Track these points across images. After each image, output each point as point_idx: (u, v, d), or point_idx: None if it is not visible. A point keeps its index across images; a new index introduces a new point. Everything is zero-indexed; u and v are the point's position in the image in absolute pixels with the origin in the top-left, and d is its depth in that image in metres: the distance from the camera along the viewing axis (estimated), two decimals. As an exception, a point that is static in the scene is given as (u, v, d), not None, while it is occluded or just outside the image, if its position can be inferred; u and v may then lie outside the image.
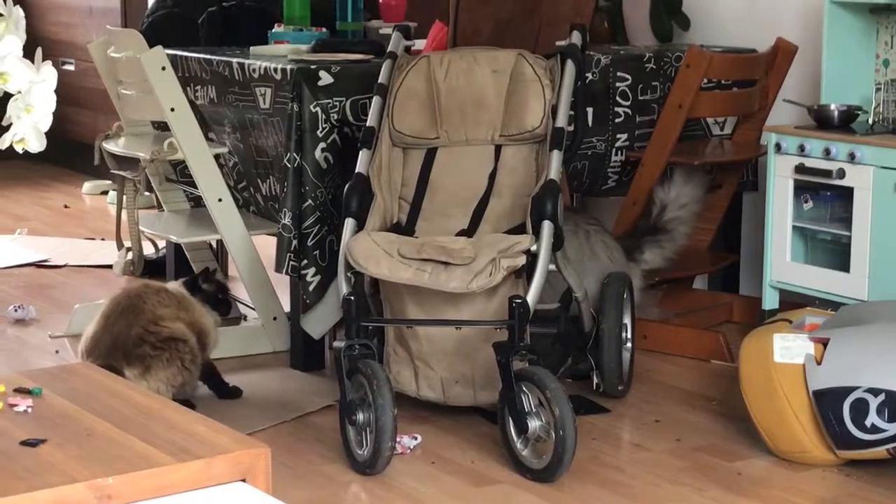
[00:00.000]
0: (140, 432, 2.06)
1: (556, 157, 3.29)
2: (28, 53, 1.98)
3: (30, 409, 2.16)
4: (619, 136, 4.26)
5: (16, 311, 4.44)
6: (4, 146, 1.98)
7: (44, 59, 1.96)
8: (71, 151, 7.01)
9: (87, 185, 6.98)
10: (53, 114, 1.96)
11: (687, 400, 3.65)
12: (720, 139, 4.46)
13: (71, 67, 7.32)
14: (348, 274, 3.23)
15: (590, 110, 4.15)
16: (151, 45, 3.91)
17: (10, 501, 1.81)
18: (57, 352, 4.09)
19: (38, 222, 6.16)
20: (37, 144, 1.99)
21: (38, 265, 5.27)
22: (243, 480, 2.01)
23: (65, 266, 5.25)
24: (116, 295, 3.53)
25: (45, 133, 1.98)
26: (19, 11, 1.94)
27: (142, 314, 3.43)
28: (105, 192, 6.79)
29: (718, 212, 4.45)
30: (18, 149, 1.98)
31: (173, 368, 3.41)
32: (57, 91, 5.98)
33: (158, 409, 2.18)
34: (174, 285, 3.63)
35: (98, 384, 2.35)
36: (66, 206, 6.62)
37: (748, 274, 4.57)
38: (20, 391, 2.24)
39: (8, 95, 1.96)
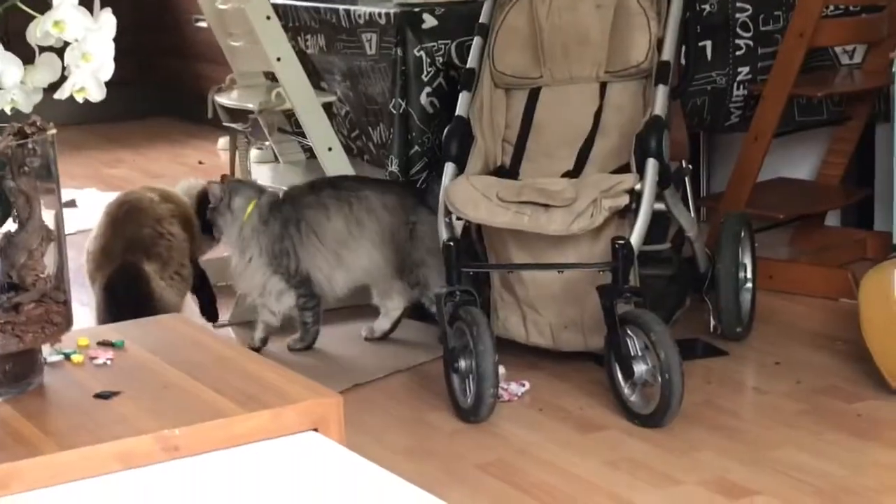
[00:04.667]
0: (212, 382, 2.03)
1: (661, 93, 3.18)
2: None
3: (109, 362, 2.15)
4: (740, 69, 4.10)
5: None
6: (64, 96, 1.95)
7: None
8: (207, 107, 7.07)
9: (222, 141, 7.04)
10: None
11: (811, 341, 3.52)
12: (850, 69, 4.27)
13: (204, 24, 7.38)
14: (446, 219, 3.17)
15: (708, 43, 4.01)
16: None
17: (75, 454, 1.80)
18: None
19: (172, 179, 6.20)
20: (97, 93, 1.95)
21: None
22: (315, 430, 1.97)
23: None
24: (109, 207, 3.60)
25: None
26: (70, -41, 1.91)
27: (146, 214, 3.51)
28: (240, 147, 6.84)
29: (849, 144, 4.28)
30: (79, 98, 1.95)
31: (179, 270, 3.50)
32: (193, 48, 6.05)
33: (234, 358, 2.15)
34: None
35: (183, 336, 2.34)
36: (200, 163, 6.69)
37: (884, 208, 4.38)
38: (103, 344, 2.24)
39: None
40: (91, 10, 1.93)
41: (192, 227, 3.62)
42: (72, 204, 5.45)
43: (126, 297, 3.36)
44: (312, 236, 3.46)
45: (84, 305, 3.45)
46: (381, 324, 3.65)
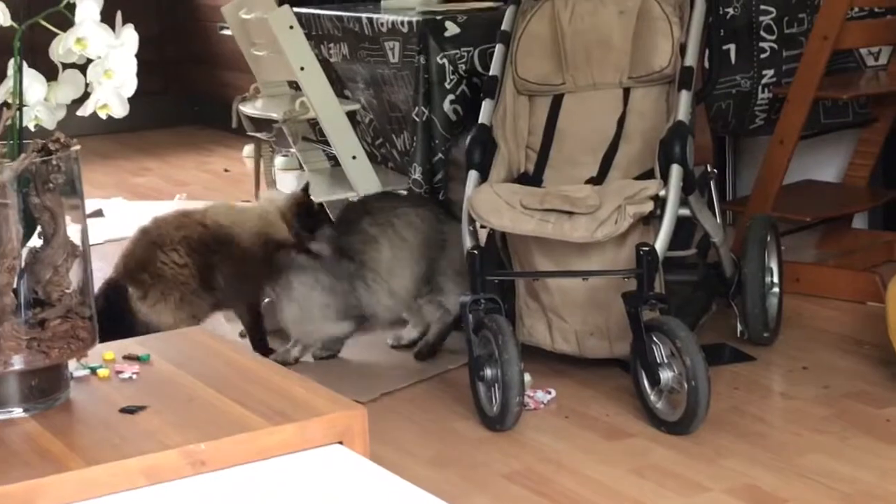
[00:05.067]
0: (238, 396, 2.03)
1: (684, 98, 3.17)
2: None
3: (135, 376, 2.15)
4: (764, 72, 4.09)
5: None
6: (88, 112, 1.96)
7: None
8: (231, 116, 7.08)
9: (247, 149, 7.05)
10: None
11: (838, 345, 3.50)
12: (875, 70, 4.24)
13: (229, 33, 7.39)
14: (470, 228, 3.17)
15: (732, 47, 3.99)
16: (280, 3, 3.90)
17: (102, 469, 1.80)
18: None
19: (198, 187, 6.24)
20: (120, 110, 1.96)
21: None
22: (340, 443, 1.97)
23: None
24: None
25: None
26: (94, -24, 1.92)
27: (143, 238, 3.46)
28: (265, 155, 6.85)
29: (875, 146, 4.26)
30: (102, 115, 1.96)
31: (171, 301, 3.42)
32: (218, 57, 6.02)
33: (260, 372, 2.16)
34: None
35: (208, 349, 2.34)
36: (225, 170, 6.70)
37: (910, 210, 4.36)
38: (129, 358, 2.24)
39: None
40: (113, 27, 1.94)
41: (205, 253, 3.55)
42: (98, 213, 5.47)
43: (107, 315, 3.33)
44: (378, 278, 3.49)
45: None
46: (410, 332, 3.65)
